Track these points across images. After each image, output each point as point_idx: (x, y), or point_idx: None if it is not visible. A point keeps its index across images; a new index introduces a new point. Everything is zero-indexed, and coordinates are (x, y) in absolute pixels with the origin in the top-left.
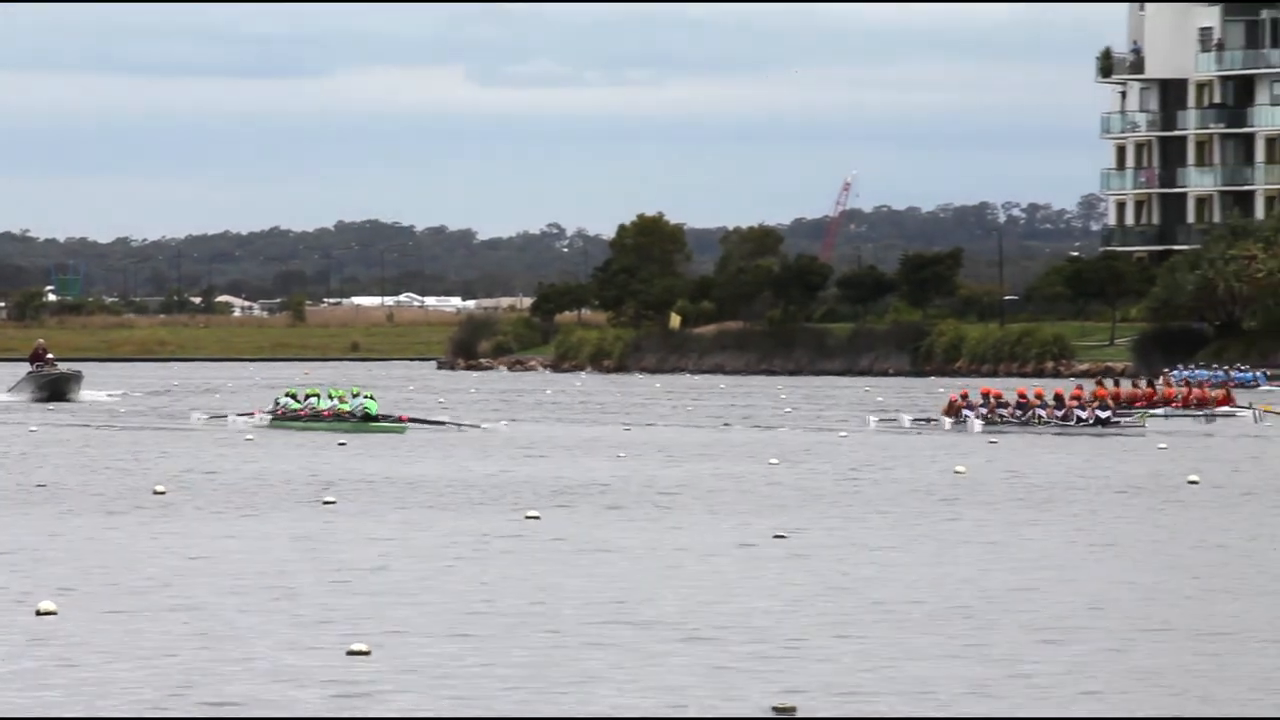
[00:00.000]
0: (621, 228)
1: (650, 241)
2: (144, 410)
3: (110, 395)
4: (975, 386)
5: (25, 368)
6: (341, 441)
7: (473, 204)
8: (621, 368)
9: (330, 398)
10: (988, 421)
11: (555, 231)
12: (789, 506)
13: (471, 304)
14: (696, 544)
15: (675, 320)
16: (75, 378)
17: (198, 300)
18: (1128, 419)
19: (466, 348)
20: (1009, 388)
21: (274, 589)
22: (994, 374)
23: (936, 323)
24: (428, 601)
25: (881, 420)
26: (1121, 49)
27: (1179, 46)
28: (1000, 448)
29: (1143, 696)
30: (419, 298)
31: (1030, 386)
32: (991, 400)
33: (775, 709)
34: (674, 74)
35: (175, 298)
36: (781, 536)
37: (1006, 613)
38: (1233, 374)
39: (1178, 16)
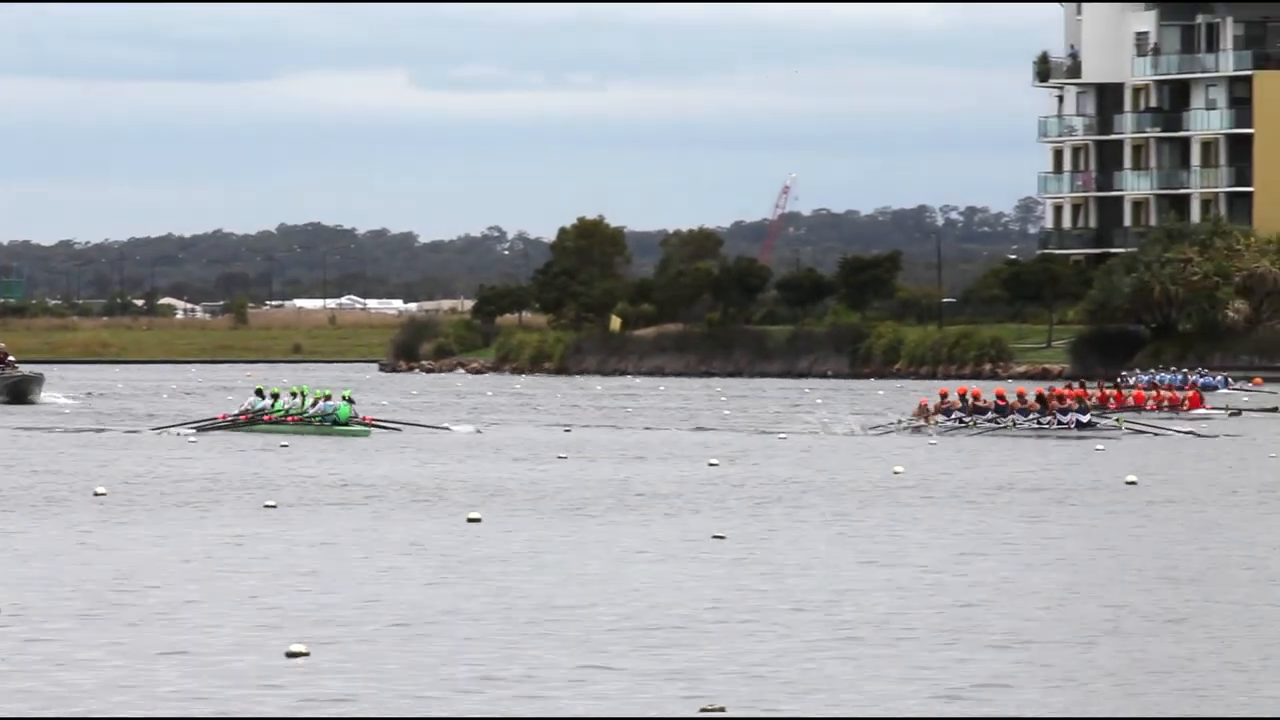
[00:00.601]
0: (562, 230)
1: (591, 244)
2: (113, 413)
3: (69, 398)
4: (934, 389)
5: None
6: (284, 444)
7: (414, 207)
8: (562, 370)
9: (302, 395)
10: (963, 423)
11: (496, 234)
12: (729, 508)
13: (413, 306)
14: (635, 544)
15: (616, 322)
16: (37, 380)
17: (140, 303)
18: (1105, 422)
19: (408, 350)
20: (987, 389)
21: (213, 591)
22: (932, 376)
23: (875, 325)
24: (365, 602)
25: (871, 427)
26: (1058, 53)
27: (1115, 51)
28: (958, 449)
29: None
30: (361, 300)
31: (1011, 388)
32: (970, 402)
33: (704, 710)
34: (615, 77)
35: (118, 300)
36: (720, 537)
37: (928, 611)
38: (1193, 377)
39: (1114, 21)
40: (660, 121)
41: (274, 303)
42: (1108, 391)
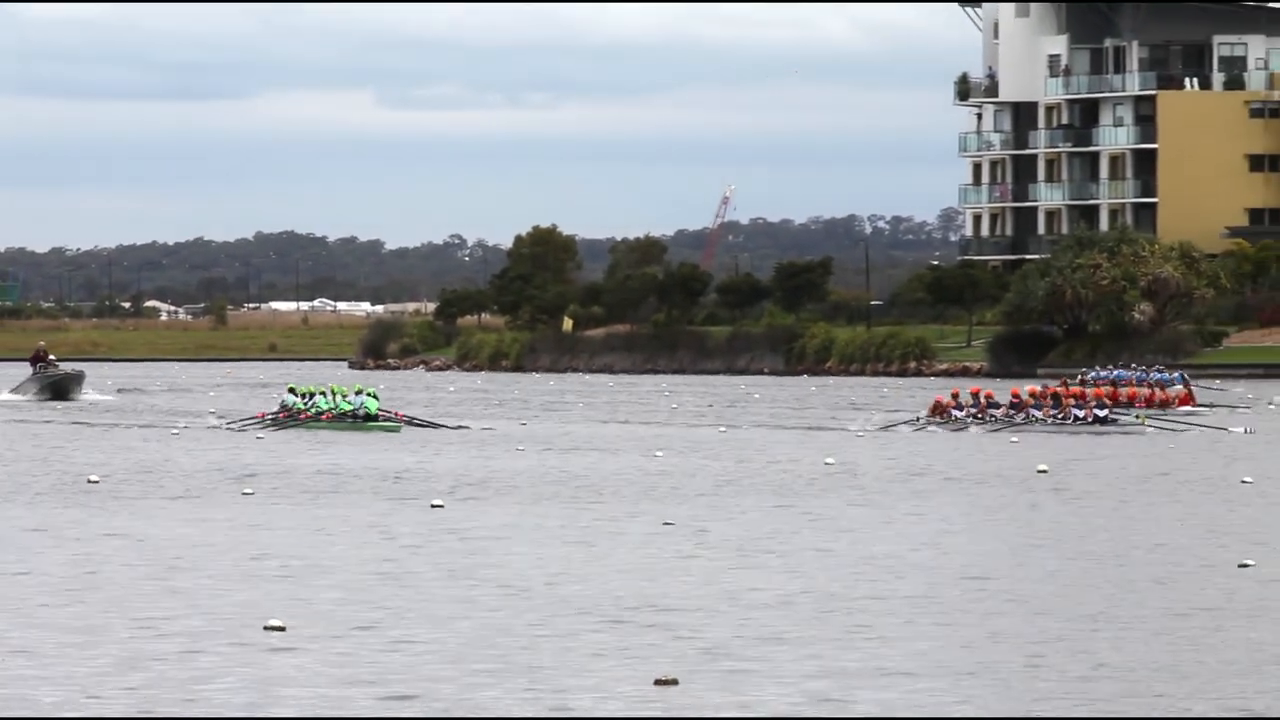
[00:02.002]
0: (518, 238)
1: (545, 251)
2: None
3: (104, 395)
4: (868, 385)
5: (26, 369)
6: (259, 436)
7: (381, 216)
8: (518, 367)
9: (333, 393)
10: (977, 421)
11: (457, 242)
12: (677, 496)
13: (380, 308)
14: (590, 530)
15: (568, 324)
16: (77, 378)
17: (127, 305)
18: (1126, 419)
19: (376, 349)
20: (1001, 389)
21: (192, 572)
22: (861, 373)
23: (808, 326)
24: (338, 583)
25: (885, 425)
26: (977, 74)
27: (1029, 72)
28: (934, 443)
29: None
30: (331, 303)
31: (1024, 386)
32: (982, 400)
33: (658, 681)
34: (569, 97)
35: (107, 303)
36: (670, 524)
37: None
38: (1152, 374)
39: (1028, 45)
40: (609, 138)
41: (251, 305)
42: (1102, 390)
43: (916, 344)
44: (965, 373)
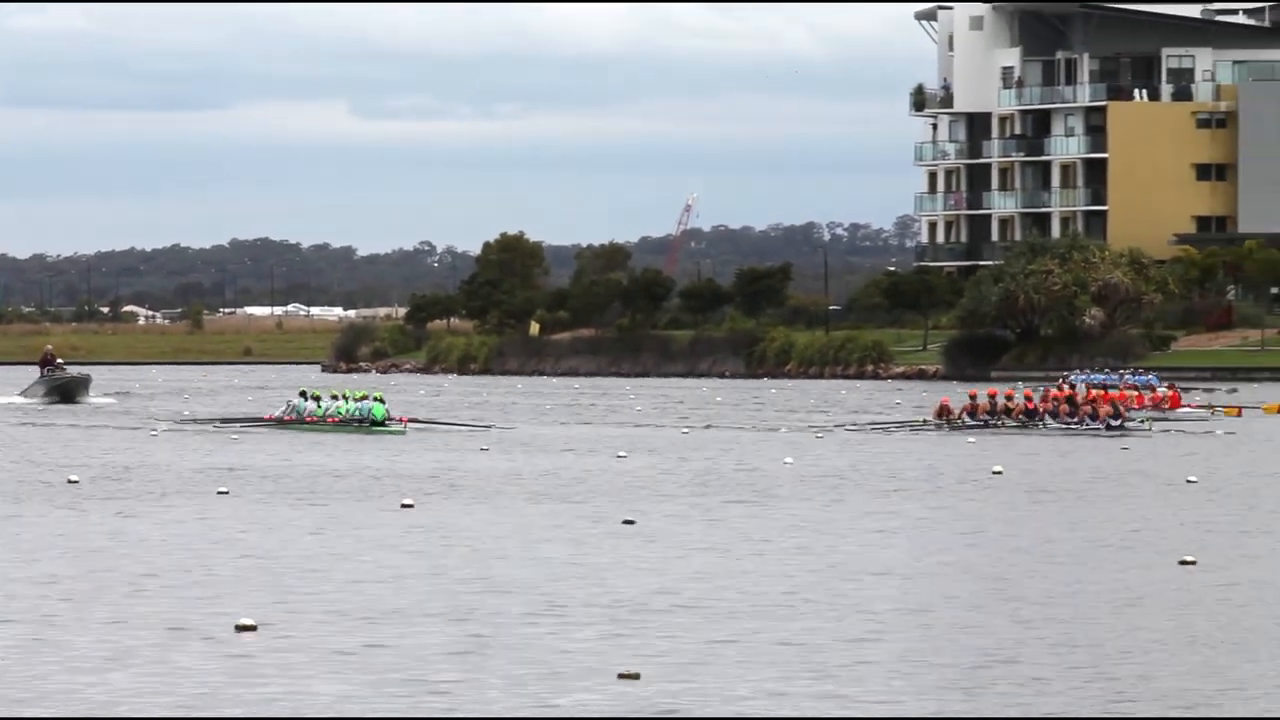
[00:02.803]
0: (486, 245)
1: (512, 257)
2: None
3: (107, 398)
4: (832, 388)
5: (35, 372)
6: (234, 435)
7: (353, 224)
8: (486, 371)
9: (343, 398)
10: (989, 425)
11: (427, 248)
12: (638, 495)
13: (352, 313)
14: (554, 528)
15: (535, 328)
16: (84, 381)
17: (106, 310)
18: (1133, 423)
19: (348, 352)
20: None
21: (166, 570)
22: (820, 376)
23: (768, 330)
24: (306, 580)
25: (873, 426)
26: (933, 86)
27: (983, 84)
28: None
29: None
30: (305, 307)
31: (1038, 389)
32: (1000, 404)
33: (621, 675)
34: (537, 107)
35: (86, 308)
36: (630, 521)
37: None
38: (1127, 376)
39: (982, 57)
40: (576, 147)
41: (226, 310)
42: (1106, 392)
43: (874, 347)
44: (921, 375)
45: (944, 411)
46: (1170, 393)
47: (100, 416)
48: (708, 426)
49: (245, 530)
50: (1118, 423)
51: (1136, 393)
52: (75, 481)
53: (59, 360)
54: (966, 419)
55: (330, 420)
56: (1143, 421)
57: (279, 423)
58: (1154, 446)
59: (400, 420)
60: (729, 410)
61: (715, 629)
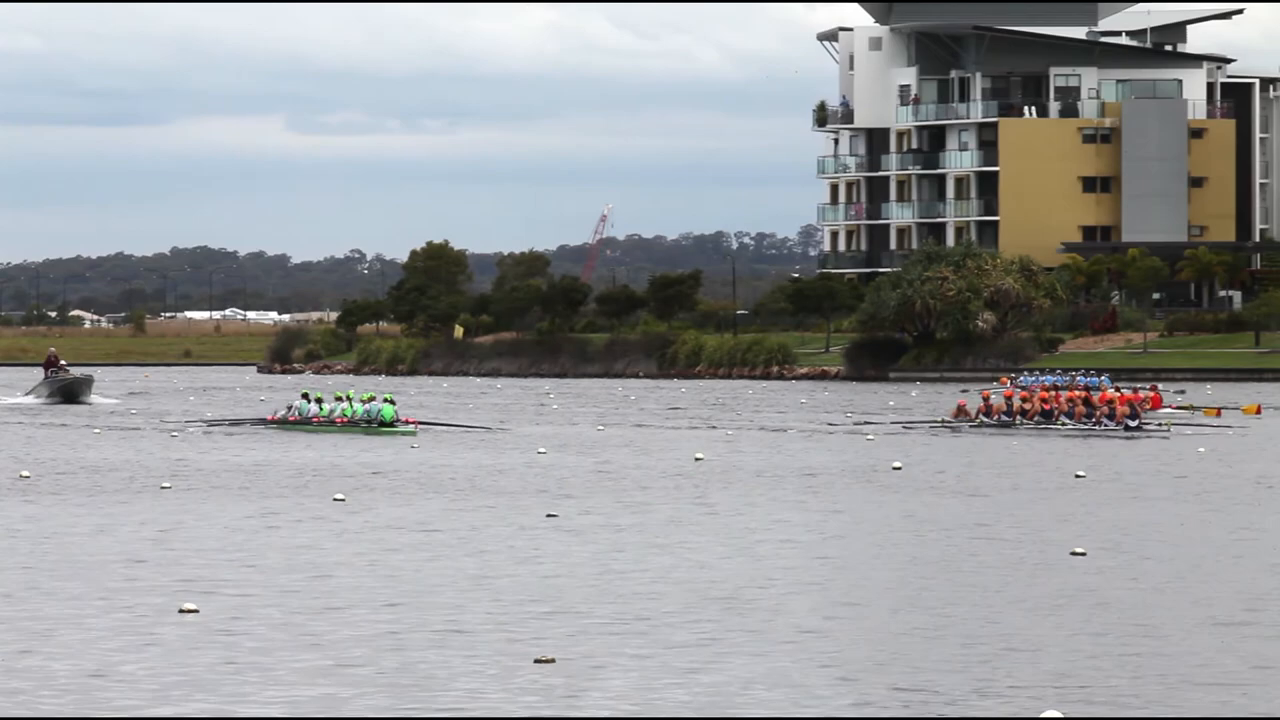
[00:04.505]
0: (413, 253)
1: (438, 264)
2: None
3: (110, 399)
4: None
5: (38, 373)
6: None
7: (288, 232)
8: (413, 371)
9: (347, 399)
10: (1003, 424)
11: (358, 256)
12: (560, 490)
13: (286, 317)
14: (479, 522)
15: (459, 331)
16: (87, 382)
17: (54, 314)
18: (1150, 424)
19: (282, 354)
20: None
21: (111, 560)
22: (729, 376)
23: (680, 333)
24: (248, 568)
25: (902, 424)
26: (834, 102)
27: (882, 101)
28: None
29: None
30: (242, 312)
31: (1053, 391)
32: (1017, 404)
33: (537, 660)
34: (463, 123)
35: (35, 312)
36: (553, 515)
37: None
38: (1079, 378)
39: (881, 76)
40: (498, 160)
41: (168, 314)
42: (1122, 394)
43: (779, 349)
44: (824, 376)
45: (961, 412)
46: (1152, 394)
47: (104, 418)
48: (622, 424)
49: (196, 524)
50: (1135, 424)
51: (1120, 394)
52: (26, 477)
53: (63, 362)
54: (984, 419)
55: (338, 421)
56: (1160, 424)
57: (283, 424)
58: (1189, 444)
59: (409, 422)
60: (753, 413)
61: (632, 616)
